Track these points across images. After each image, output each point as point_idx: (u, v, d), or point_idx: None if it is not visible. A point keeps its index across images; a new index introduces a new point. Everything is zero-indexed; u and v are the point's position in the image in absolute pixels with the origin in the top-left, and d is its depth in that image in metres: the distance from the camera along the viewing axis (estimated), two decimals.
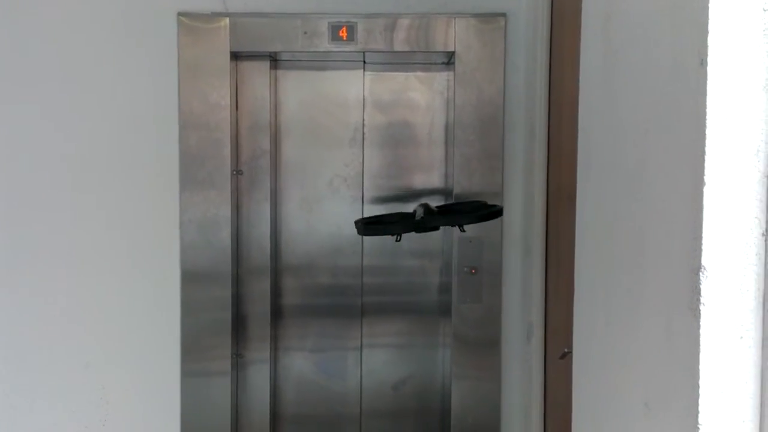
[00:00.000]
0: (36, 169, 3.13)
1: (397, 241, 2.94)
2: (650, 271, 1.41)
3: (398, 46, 3.09)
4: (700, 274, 1.19)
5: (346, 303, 3.39)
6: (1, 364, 3.17)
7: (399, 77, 3.33)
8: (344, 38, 3.07)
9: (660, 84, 1.37)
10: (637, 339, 1.49)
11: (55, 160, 3.13)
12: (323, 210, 3.35)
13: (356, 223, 2.99)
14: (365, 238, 3.33)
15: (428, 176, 3.35)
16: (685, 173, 1.24)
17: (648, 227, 1.43)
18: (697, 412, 1.21)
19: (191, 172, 3.10)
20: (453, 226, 2.93)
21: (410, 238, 3.35)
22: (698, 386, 1.20)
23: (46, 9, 3.08)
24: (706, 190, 1.18)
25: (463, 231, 2.91)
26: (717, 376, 1.20)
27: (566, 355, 2.30)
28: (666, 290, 1.33)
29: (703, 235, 1.18)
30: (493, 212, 2.90)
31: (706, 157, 1.18)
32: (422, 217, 2.84)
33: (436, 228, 2.96)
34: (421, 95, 3.32)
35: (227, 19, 3.06)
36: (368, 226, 2.94)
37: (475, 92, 3.09)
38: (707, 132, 1.18)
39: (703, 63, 1.18)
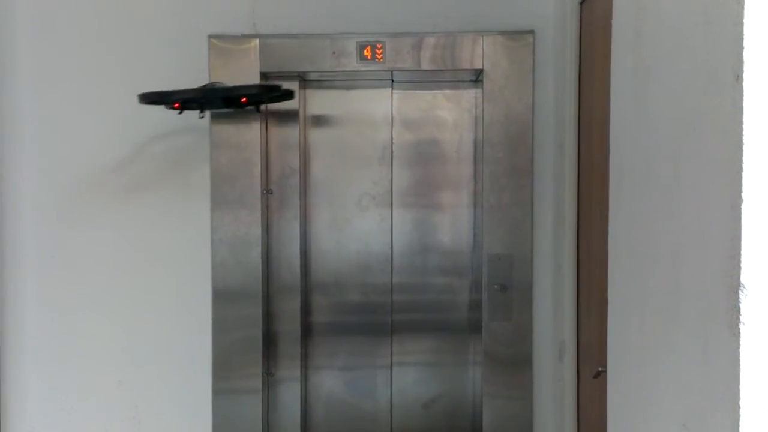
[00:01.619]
0: (70, 191, 3.18)
1: (179, 113, 2.91)
2: (687, 289, 1.39)
3: (426, 65, 3.10)
4: (740, 292, 1.17)
5: (376, 321, 3.38)
6: (35, 382, 3.21)
7: (427, 95, 3.33)
8: (372, 57, 3.09)
9: (694, 100, 1.36)
10: (674, 358, 1.46)
11: (88, 181, 3.18)
12: (352, 228, 3.36)
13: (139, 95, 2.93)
14: (395, 256, 3.33)
15: (457, 193, 3.34)
16: (722, 190, 1.23)
17: (684, 245, 1.41)
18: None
19: (222, 191, 3.13)
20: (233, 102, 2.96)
21: (439, 256, 3.34)
22: (738, 407, 1.18)
23: (81, 32, 3.15)
24: (744, 207, 1.16)
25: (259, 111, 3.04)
26: (758, 397, 1.17)
27: (600, 374, 2.27)
28: (703, 309, 1.31)
29: (742, 252, 1.17)
30: (281, 95, 2.98)
31: (744, 174, 1.16)
32: (205, 88, 2.90)
33: (221, 104, 2.96)
34: (449, 113, 3.32)
35: (257, 41, 3.09)
36: (149, 94, 2.91)
37: (503, 109, 3.08)
38: (744, 148, 1.16)
39: (738, 79, 1.17)
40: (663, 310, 1.53)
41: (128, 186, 3.18)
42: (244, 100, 2.93)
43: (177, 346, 3.20)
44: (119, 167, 3.17)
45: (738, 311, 1.17)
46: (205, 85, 2.93)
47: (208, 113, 3.02)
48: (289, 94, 3.02)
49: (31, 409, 3.21)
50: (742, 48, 1.16)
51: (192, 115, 3.11)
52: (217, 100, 2.93)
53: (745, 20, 1.16)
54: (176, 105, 2.88)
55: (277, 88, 2.95)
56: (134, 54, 3.15)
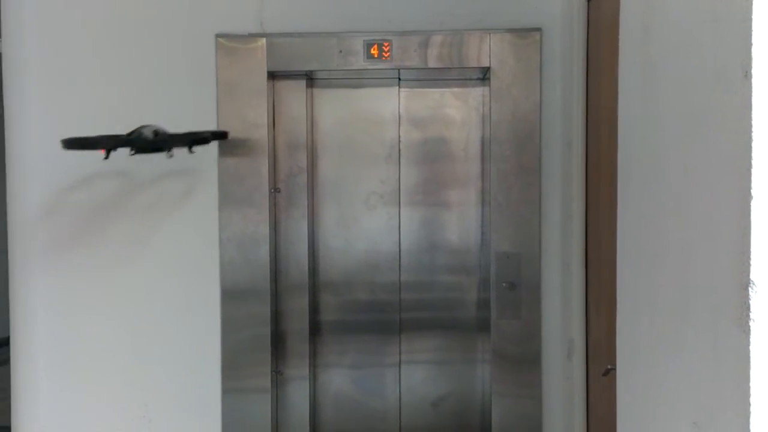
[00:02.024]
0: (77, 192, 3.19)
1: (105, 158, 2.82)
2: (696, 286, 1.39)
3: (433, 63, 3.10)
4: (749, 289, 1.16)
5: (384, 319, 3.38)
6: (45, 383, 3.23)
7: (434, 93, 3.33)
8: (379, 56, 3.09)
9: (702, 97, 1.36)
10: (684, 355, 1.46)
11: (94, 181, 3.19)
12: (360, 227, 3.36)
13: (62, 141, 2.86)
14: (403, 254, 3.33)
15: (465, 192, 3.34)
16: (731, 187, 1.22)
17: (693, 242, 1.41)
18: (749, 430, 1.18)
19: (230, 190, 3.14)
20: (163, 149, 2.87)
21: (448, 254, 3.35)
22: (749, 404, 1.18)
23: (88, 32, 3.16)
24: (753, 204, 1.16)
25: (170, 156, 2.87)
26: None
27: (609, 372, 2.26)
28: (713, 306, 1.31)
29: (752, 249, 1.16)
30: (202, 138, 2.90)
31: (753, 171, 1.16)
32: (132, 136, 2.82)
33: (150, 148, 2.87)
34: (457, 111, 3.32)
35: (264, 40, 3.10)
36: (72, 140, 2.85)
37: (511, 107, 3.08)
38: (753, 145, 1.16)
39: (747, 75, 1.17)
40: (672, 308, 1.53)
41: (135, 185, 3.19)
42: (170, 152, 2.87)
43: (186, 345, 3.21)
44: (126, 167, 3.18)
45: (748, 308, 1.17)
46: (130, 133, 2.86)
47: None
48: (222, 135, 2.99)
49: (42, 409, 3.23)
50: (751, 44, 1.16)
51: (201, 113, 3.13)
52: (145, 147, 2.87)
53: (754, 16, 1.15)
54: (102, 150, 2.85)
55: (206, 138, 2.92)
56: (141, 53, 3.16)
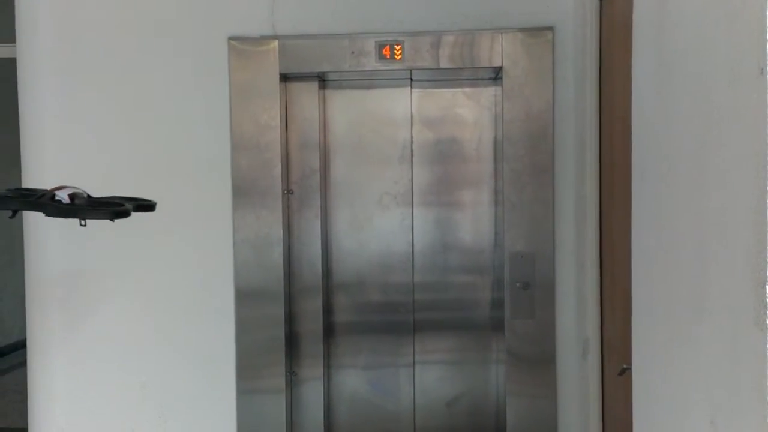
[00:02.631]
0: (91, 190, 3.21)
1: (10, 217, 2.34)
2: (713, 284, 1.38)
3: (445, 63, 3.10)
4: (767, 287, 1.15)
5: (398, 320, 3.38)
6: (61, 383, 3.25)
7: (446, 94, 3.33)
8: (391, 57, 3.10)
9: (717, 94, 1.35)
10: (701, 355, 1.45)
11: (111, 184, 3.20)
12: (373, 227, 3.37)
13: None
14: (416, 255, 3.33)
15: (477, 192, 3.33)
16: (747, 184, 1.21)
17: (709, 240, 1.40)
18: (767, 429, 1.17)
19: (243, 192, 3.15)
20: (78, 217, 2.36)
21: (461, 254, 3.34)
22: (767, 402, 1.17)
23: (101, 35, 3.18)
24: None
25: (83, 224, 2.36)
26: None
27: (625, 372, 2.25)
28: (730, 304, 1.30)
29: None
30: (123, 211, 2.40)
31: None
32: (43, 199, 2.30)
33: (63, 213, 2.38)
34: (469, 111, 3.32)
35: (276, 42, 3.11)
36: None
37: (523, 107, 3.07)
38: None
39: (763, 72, 1.16)
40: (688, 306, 1.52)
41: (151, 187, 3.21)
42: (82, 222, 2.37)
43: (201, 346, 3.22)
44: (141, 168, 3.20)
45: (765, 306, 1.16)
46: (42, 195, 2.39)
47: None
48: (149, 207, 2.57)
49: (59, 409, 3.25)
50: (767, 40, 1.15)
51: (214, 115, 3.14)
52: (57, 212, 2.39)
53: None
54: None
55: (127, 211, 2.41)
56: (154, 56, 3.17)
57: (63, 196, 2.38)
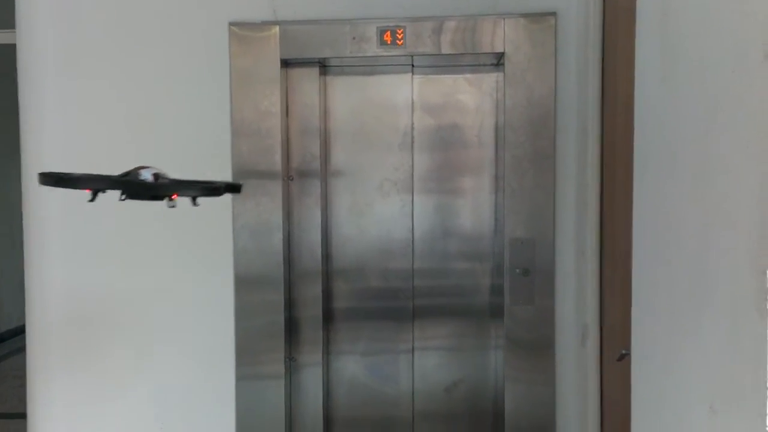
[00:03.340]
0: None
1: (90, 200, 2.34)
2: (713, 271, 1.38)
3: (446, 49, 3.09)
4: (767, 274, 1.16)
5: (397, 306, 3.39)
6: (60, 369, 3.26)
7: (448, 80, 3.32)
8: (392, 42, 3.08)
9: (721, 80, 1.35)
10: (700, 340, 1.46)
11: (108, 167, 3.20)
12: (374, 214, 3.37)
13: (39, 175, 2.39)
14: (416, 241, 3.33)
15: (478, 178, 3.33)
16: (750, 171, 1.21)
17: (710, 226, 1.40)
18: (765, 414, 1.17)
19: (243, 178, 3.14)
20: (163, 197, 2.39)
21: (461, 240, 3.34)
22: (766, 388, 1.17)
23: (101, 19, 3.16)
24: None
25: (196, 204, 2.40)
26: None
27: (624, 357, 2.26)
28: (731, 290, 1.30)
29: None
30: (214, 188, 2.43)
31: None
32: (126, 178, 2.32)
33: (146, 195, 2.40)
34: (471, 97, 3.31)
35: (277, 28, 3.10)
36: (49, 176, 2.37)
37: (525, 93, 3.06)
38: None
39: (767, 57, 1.16)
40: (689, 293, 1.52)
41: None
42: (174, 196, 2.41)
43: (200, 332, 3.23)
44: (141, 154, 3.18)
45: (766, 293, 1.16)
46: (125, 174, 2.42)
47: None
48: (236, 188, 2.56)
49: (57, 396, 3.26)
50: None
51: (215, 101, 3.13)
52: (141, 193, 2.43)
53: None
54: (88, 189, 2.38)
55: (220, 188, 2.44)
56: (154, 42, 3.16)
57: (147, 175, 2.39)
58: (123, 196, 2.38)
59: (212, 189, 2.44)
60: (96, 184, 2.35)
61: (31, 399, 3.30)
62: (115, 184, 2.36)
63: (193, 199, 2.41)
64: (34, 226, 3.24)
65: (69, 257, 3.23)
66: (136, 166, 2.41)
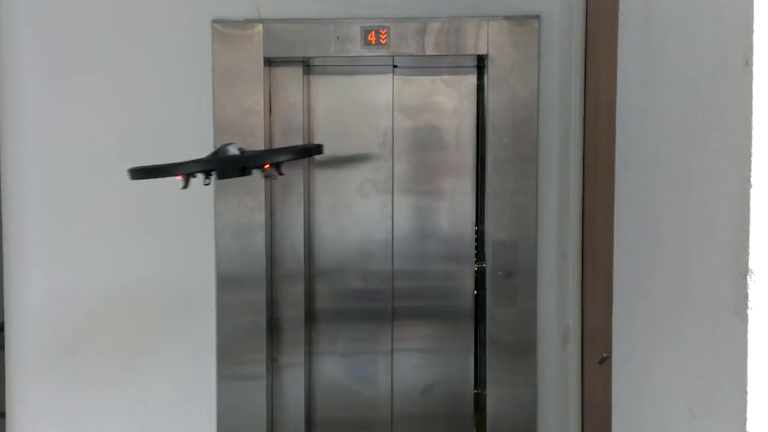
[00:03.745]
0: (72, 176, 3.18)
1: (183, 187, 2.37)
2: (694, 274, 1.39)
3: (430, 50, 3.08)
4: (747, 277, 1.16)
5: (378, 307, 3.38)
6: (40, 367, 3.22)
7: (429, 81, 3.32)
8: (376, 42, 3.08)
9: (702, 85, 1.35)
10: (680, 344, 1.46)
11: (89, 166, 3.17)
12: (355, 214, 3.36)
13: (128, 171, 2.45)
14: (396, 242, 3.33)
15: (459, 179, 3.33)
16: (730, 175, 1.22)
17: (691, 230, 1.40)
18: (744, 419, 1.18)
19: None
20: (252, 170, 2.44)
21: (440, 242, 3.34)
22: (746, 392, 1.18)
23: (81, 17, 3.13)
24: (752, 192, 1.15)
25: (281, 173, 2.47)
26: (765, 383, 1.17)
27: (605, 360, 2.27)
28: (711, 294, 1.31)
29: (750, 237, 1.16)
30: (309, 149, 2.50)
31: (753, 159, 1.15)
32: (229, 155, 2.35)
33: (244, 170, 2.43)
34: (453, 99, 3.31)
35: (261, 26, 3.08)
36: (139, 170, 2.41)
37: (508, 95, 3.07)
38: (753, 133, 1.15)
39: (748, 63, 1.16)
40: (669, 296, 1.53)
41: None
42: (266, 166, 2.45)
43: (181, 332, 3.20)
44: (122, 152, 3.16)
45: (746, 297, 1.17)
46: (215, 152, 2.44)
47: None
48: (317, 149, 2.59)
49: (37, 394, 3.23)
50: (752, 31, 1.15)
51: (197, 99, 3.11)
52: (233, 170, 2.47)
53: (756, 3, 1.14)
54: (179, 176, 2.42)
55: (311, 149, 2.46)
56: (136, 40, 3.13)
57: (234, 150, 2.41)
58: (207, 181, 2.39)
59: (302, 151, 2.49)
60: (187, 168, 2.36)
61: (10, 398, 3.27)
62: (206, 164, 2.37)
63: (278, 169, 2.43)
64: (13, 225, 3.20)
65: (48, 257, 3.19)
66: (223, 143, 2.42)
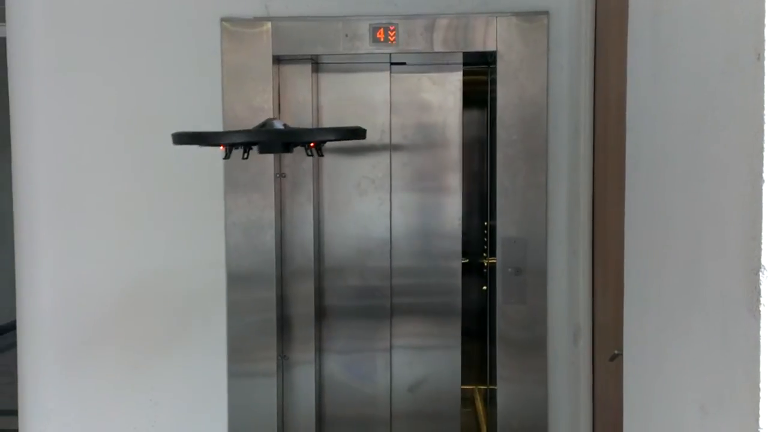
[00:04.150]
0: (83, 174, 3.19)
1: (225, 157, 2.36)
2: (705, 270, 1.38)
3: (439, 47, 3.08)
4: (760, 273, 1.15)
5: (378, 304, 3.38)
6: (52, 366, 3.24)
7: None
8: (385, 40, 3.07)
9: (713, 80, 1.34)
10: (692, 341, 1.45)
11: (101, 165, 3.19)
12: (366, 211, 3.36)
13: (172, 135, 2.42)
14: (394, 240, 3.33)
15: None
16: (742, 171, 1.21)
17: (702, 226, 1.39)
18: (757, 416, 1.17)
19: (235, 175, 3.13)
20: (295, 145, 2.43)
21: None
22: (759, 389, 1.17)
23: (90, 16, 3.14)
24: (764, 187, 1.14)
25: (321, 155, 2.47)
26: None
27: (616, 357, 2.26)
28: (723, 290, 1.30)
29: (762, 233, 1.15)
30: (354, 130, 2.49)
31: (765, 154, 1.14)
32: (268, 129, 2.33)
33: (283, 147, 2.42)
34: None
35: (269, 24, 3.08)
36: (183, 135, 2.40)
37: (517, 91, 3.06)
38: (765, 128, 1.14)
39: (760, 57, 1.15)
40: (681, 293, 1.52)
41: (143, 169, 3.19)
42: (312, 144, 2.43)
43: (192, 329, 3.21)
44: (133, 150, 3.17)
45: (758, 293, 1.16)
46: (263, 124, 2.42)
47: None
48: (363, 132, 2.57)
49: (48, 393, 3.25)
50: (764, 26, 1.14)
51: (207, 97, 3.12)
52: (275, 145, 2.45)
53: None
54: (222, 147, 2.40)
55: (357, 131, 2.46)
56: (146, 38, 3.14)
57: (279, 125, 2.40)
58: (246, 155, 2.37)
59: (348, 132, 2.48)
60: (233, 138, 2.36)
61: (23, 396, 3.29)
62: (253, 135, 2.37)
63: (319, 149, 2.43)
64: (25, 222, 3.22)
65: (59, 256, 3.21)
66: (268, 118, 2.43)
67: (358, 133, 2.47)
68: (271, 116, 3.10)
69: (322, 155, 2.47)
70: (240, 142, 2.35)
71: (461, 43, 3.08)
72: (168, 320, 3.22)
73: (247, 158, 2.42)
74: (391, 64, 3.29)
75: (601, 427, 2.88)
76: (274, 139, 2.39)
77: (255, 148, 2.41)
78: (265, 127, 2.39)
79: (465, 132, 3.32)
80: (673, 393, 1.57)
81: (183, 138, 2.39)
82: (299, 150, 3.25)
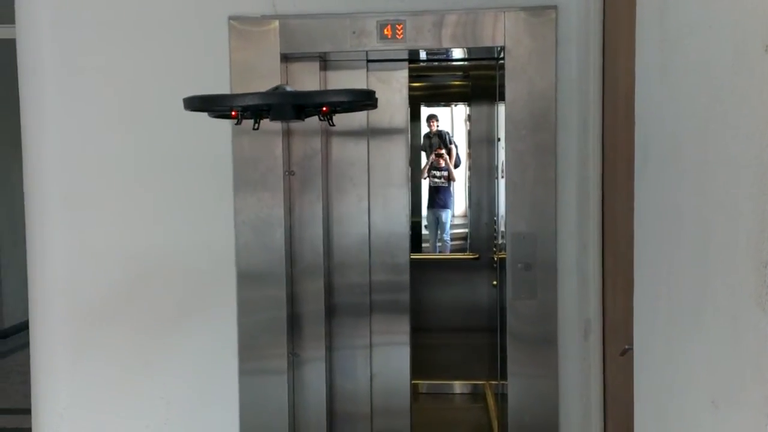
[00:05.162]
0: (93, 174, 3.21)
1: (237, 123, 2.36)
2: (715, 265, 1.37)
3: (447, 43, 3.07)
4: None
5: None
6: (63, 364, 3.26)
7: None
8: (392, 36, 3.07)
9: (721, 74, 1.34)
10: (702, 335, 1.45)
11: (111, 164, 3.20)
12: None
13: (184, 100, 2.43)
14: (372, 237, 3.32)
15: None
16: (751, 165, 1.21)
17: (712, 221, 1.39)
18: None
19: (245, 173, 3.14)
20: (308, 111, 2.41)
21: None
22: None
23: (101, 14, 3.16)
24: None
25: (333, 124, 2.47)
26: None
27: (627, 352, 2.26)
28: (732, 285, 1.29)
29: None
30: (366, 92, 2.46)
31: None
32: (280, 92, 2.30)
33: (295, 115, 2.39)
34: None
35: (277, 22, 3.08)
36: (193, 98, 2.39)
37: (526, 87, 3.05)
38: None
39: (767, 50, 1.15)
40: (690, 287, 1.51)
41: (152, 167, 3.20)
42: (325, 109, 2.40)
43: (203, 327, 3.23)
44: (142, 148, 3.19)
45: None
46: (275, 88, 2.40)
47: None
48: (372, 95, 2.54)
49: (61, 392, 3.27)
50: None
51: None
52: (287, 109, 2.40)
53: None
54: (234, 114, 2.40)
55: (368, 93, 2.43)
56: (154, 36, 3.15)
57: (289, 88, 2.39)
58: (256, 125, 2.36)
59: (357, 93, 2.45)
60: (245, 100, 2.33)
61: (36, 395, 3.31)
62: (263, 97, 2.34)
63: (330, 118, 2.42)
64: (37, 221, 3.24)
65: (71, 254, 3.23)
66: (276, 85, 2.41)
67: (370, 95, 2.46)
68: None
69: (333, 125, 2.45)
70: (252, 105, 2.32)
71: (469, 39, 3.07)
72: (179, 320, 3.23)
73: (257, 129, 2.39)
74: (412, 60, 3.27)
75: (612, 422, 2.88)
76: (286, 102, 2.36)
77: (266, 122, 2.38)
78: (277, 89, 2.37)
79: (473, 128, 3.31)
80: (684, 387, 1.56)
81: (194, 102, 2.39)
82: (307, 146, 3.27)
